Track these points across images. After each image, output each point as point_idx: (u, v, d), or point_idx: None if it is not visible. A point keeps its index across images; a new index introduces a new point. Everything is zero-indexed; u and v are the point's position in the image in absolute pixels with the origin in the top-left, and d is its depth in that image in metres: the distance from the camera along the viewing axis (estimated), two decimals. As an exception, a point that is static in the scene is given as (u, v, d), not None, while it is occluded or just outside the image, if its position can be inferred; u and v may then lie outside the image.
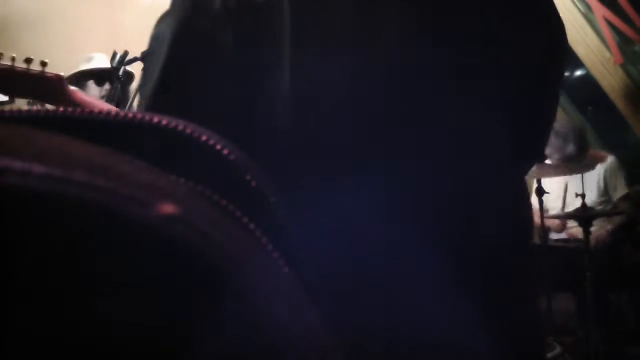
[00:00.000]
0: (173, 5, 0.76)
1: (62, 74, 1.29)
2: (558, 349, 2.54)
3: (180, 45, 0.72)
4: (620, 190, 3.24)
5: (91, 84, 2.71)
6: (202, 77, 0.72)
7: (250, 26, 0.72)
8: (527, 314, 0.80)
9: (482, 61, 0.74)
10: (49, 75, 1.25)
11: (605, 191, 3.26)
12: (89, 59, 2.74)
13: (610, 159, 3.30)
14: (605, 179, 3.25)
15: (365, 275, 0.67)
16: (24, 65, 1.23)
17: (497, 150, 0.76)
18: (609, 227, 3.13)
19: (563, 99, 3.58)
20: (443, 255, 0.66)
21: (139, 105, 0.81)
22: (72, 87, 1.34)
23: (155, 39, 0.76)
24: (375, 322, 0.68)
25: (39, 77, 1.23)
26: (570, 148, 3.10)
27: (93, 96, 2.67)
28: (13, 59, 1.23)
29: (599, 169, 3.23)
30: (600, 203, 3.25)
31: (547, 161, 3.09)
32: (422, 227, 0.68)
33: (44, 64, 1.25)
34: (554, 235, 3.38)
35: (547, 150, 2.89)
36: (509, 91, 0.77)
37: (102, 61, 2.67)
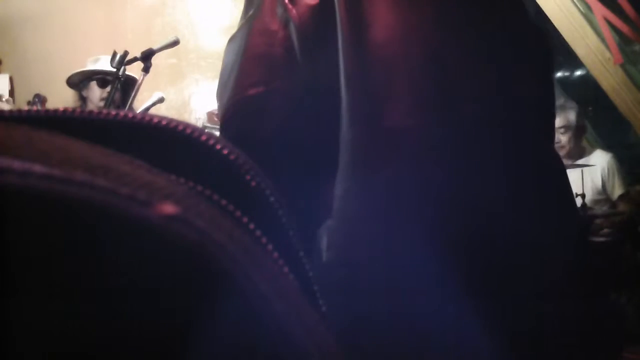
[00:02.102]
0: (245, 16, 0.86)
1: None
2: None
3: (255, 45, 0.82)
4: (618, 189, 3.25)
5: (94, 85, 2.71)
6: (278, 71, 0.81)
7: (311, 25, 0.80)
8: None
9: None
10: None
11: (602, 190, 3.27)
12: (96, 60, 2.74)
13: (607, 157, 3.31)
14: (602, 177, 3.26)
15: None
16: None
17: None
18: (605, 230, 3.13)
19: (563, 99, 3.59)
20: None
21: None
22: None
23: (232, 40, 0.86)
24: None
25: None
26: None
27: (95, 97, 2.68)
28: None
29: (596, 168, 3.24)
30: (597, 202, 3.25)
31: None
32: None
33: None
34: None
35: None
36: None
37: (108, 64, 2.67)
